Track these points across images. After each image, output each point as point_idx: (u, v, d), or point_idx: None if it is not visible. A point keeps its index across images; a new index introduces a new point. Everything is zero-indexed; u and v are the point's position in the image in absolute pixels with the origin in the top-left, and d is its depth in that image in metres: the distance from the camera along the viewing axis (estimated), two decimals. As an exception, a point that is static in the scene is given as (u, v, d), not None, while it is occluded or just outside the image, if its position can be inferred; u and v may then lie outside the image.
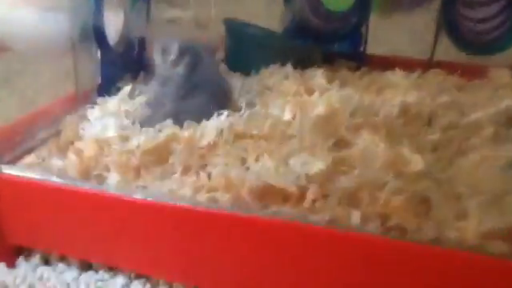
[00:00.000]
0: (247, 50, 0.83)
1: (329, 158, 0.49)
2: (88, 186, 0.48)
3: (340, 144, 0.54)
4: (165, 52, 0.61)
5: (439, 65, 0.91)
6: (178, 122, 0.56)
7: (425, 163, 0.50)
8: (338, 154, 0.50)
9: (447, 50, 0.95)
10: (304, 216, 0.45)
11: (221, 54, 0.88)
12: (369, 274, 0.43)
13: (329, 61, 0.91)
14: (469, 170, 0.54)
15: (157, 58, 0.62)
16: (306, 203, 0.46)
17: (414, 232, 0.44)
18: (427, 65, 0.92)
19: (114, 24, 0.73)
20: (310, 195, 0.46)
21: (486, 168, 0.54)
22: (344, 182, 0.47)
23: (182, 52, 0.61)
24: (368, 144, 0.52)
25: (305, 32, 0.98)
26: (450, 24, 0.94)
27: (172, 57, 0.61)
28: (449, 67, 0.90)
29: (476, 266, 0.40)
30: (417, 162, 0.49)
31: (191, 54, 0.62)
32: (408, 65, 0.90)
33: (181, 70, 0.61)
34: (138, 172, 0.52)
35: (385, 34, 1.02)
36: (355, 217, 0.45)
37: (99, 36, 0.67)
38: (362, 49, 0.95)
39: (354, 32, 0.97)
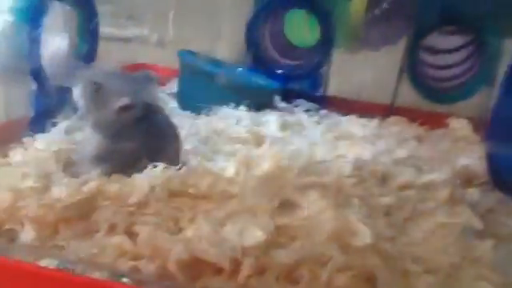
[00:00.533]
0: (200, 87, 0.78)
1: (270, 225, 0.44)
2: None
3: (285, 206, 0.49)
4: (99, 92, 0.53)
5: (400, 111, 0.89)
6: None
7: (374, 232, 0.46)
8: (280, 221, 0.45)
9: (409, 96, 0.93)
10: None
11: (173, 89, 0.83)
12: None
13: (288, 100, 0.88)
14: (421, 239, 0.50)
15: (85, 99, 0.54)
16: (241, 279, 0.41)
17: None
18: (388, 110, 0.90)
19: (52, 51, 0.67)
20: (244, 270, 0.41)
21: (438, 238, 0.51)
22: (283, 256, 0.42)
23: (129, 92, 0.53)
24: (314, 210, 0.47)
25: (265, 67, 0.94)
26: (411, 69, 0.92)
27: (121, 103, 0.52)
28: (410, 114, 0.88)
29: None
30: (365, 235, 0.45)
31: (140, 95, 0.54)
32: (369, 109, 0.87)
33: (131, 116, 0.53)
34: (55, 228, 0.46)
35: (348, 74, 1.00)
36: (294, 297, 0.40)
37: (34, 64, 0.61)
38: (322, 90, 0.92)
39: (315, 71, 0.94)
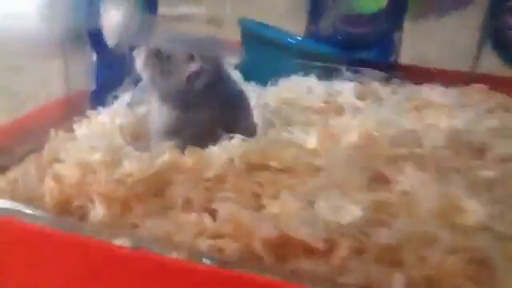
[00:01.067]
0: (265, 57, 0.73)
1: (366, 201, 0.39)
2: (62, 227, 0.39)
3: (378, 180, 0.44)
4: (165, 59, 0.49)
5: (480, 79, 0.81)
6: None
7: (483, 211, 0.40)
8: (376, 197, 0.40)
9: (489, 62, 0.85)
10: (332, 276, 0.36)
11: (235, 59, 0.78)
12: None
13: (356, 70, 0.81)
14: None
15: (151, 69, 0.50)
16: (336, 260, 0.36)
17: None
18: (467, 78, 0.82)
19: (113, 22, 0.63)
20: (341, 250, 0.36)
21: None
22: (384, 235, 0.37)
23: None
24: (412, 184, 0.42)
25: (330, 36, 0.89)
26: (494, 33, 0.84)
27: (192, 69, 0.48)
28: (491, 81, 0.80)
29: None
30: (475, 212, 0.39)
31: (209, 62, 0.49)
32: (445, 78, 0.80)
33: (203, 83, 0.49)
34: (127, 205, 0.43)
35: (417, 41, 0.92)
36: (398, 281, 0.35)
37: (94, 36, 0.58)
38: (393, 58, 0.85)
39: (384, 38, 0.88)
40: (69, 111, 0.57)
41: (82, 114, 0.57)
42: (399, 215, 0.39)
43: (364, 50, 0.88)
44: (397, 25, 0.86)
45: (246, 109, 0.52)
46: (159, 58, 0.49)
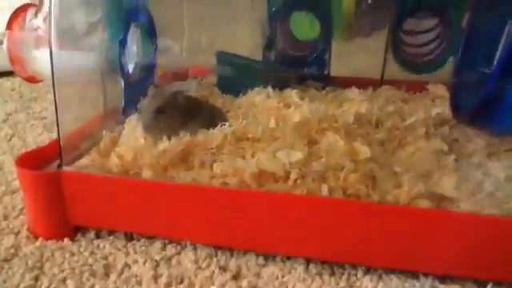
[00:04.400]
0: (235, 77, 1.03)
1: (304, 150, 0.69)
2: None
3: (312, 142, 0.74)
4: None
5: (389, 83, 1.14)
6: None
7: (372, 153, 0.71)
8: (310, 149, 0.70)
9: (396, 70, 1.17)
10: (288, 191, 0.65)
11: (213, 80, 1.09)
12: (336, 227, 0.63)
13: (300, 82, 1.12)
14: (405, 157, 0.75)
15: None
16: (290, 182, 0.66)
17: (364, 198, 0.64)
18: (379, 83, 1.14)
19: (130, 55, 0.92)
20: (292, 176, 0.66)
21: (417, 155, 0.75)
22: (316, 166, 0.67)
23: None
24: (331, 141, 0.72)
25: (281, 59, 1.20)
26: (394, 49, 1.16)
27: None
28: (397, 84, 1.12)
29: (405, 217, 0.61)
30: (366, 152, 0.70)
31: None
32: (364, 83, 1.11)
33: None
34: (165, 169, 0.71)
35: (345, 58, 1.25)
36: (324, 189, 0.65)
37: (122, 68, 0.87)
38: (326, 72, 1.17)
39: (320, 57, 1.19)
40: (108, 120, 0.85)
41: (117, 122, 0.85)
42: (323, 156, 0.69)
43: (305, 67, 1.19)
44: (327, 47, 1.18)
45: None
46: None
